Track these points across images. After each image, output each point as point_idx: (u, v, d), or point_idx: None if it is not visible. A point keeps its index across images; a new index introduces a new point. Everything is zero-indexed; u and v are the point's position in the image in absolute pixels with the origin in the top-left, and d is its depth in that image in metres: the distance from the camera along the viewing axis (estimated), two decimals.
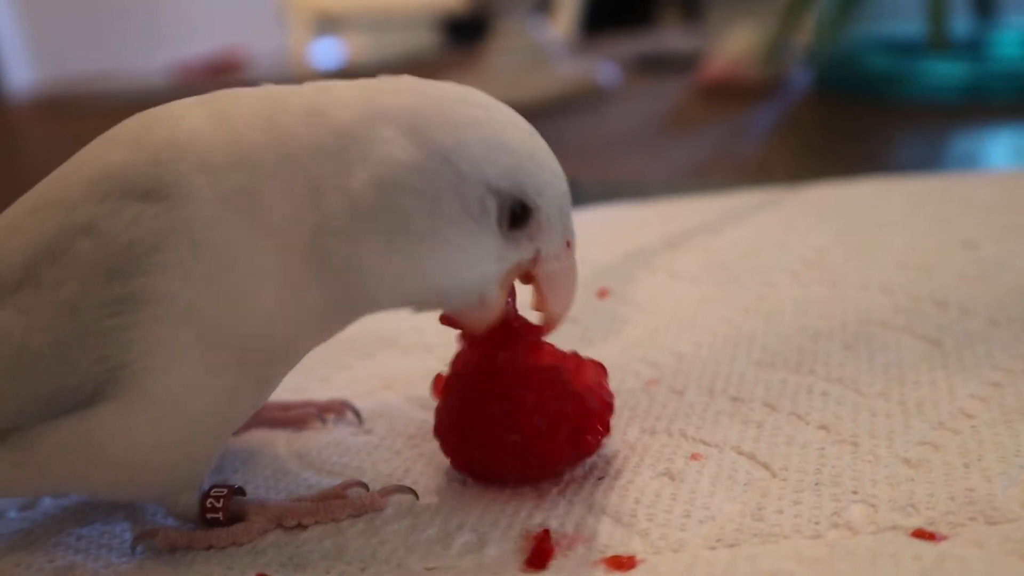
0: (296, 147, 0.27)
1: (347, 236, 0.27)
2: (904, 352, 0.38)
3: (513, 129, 0.28)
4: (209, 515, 0.31)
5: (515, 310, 0.31)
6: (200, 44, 1.94)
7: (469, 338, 0.32)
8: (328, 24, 1.97)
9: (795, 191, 0.61)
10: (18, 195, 0.30)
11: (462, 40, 1.78)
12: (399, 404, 0.39)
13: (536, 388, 0.31)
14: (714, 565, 0.27)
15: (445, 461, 0.34)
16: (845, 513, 0.28)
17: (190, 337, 0.27)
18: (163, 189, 0.27)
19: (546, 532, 0.29)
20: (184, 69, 1.72)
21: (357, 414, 0.38)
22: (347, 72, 1.47)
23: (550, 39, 1.13)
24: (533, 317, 0.32)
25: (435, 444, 0.33)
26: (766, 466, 0.31)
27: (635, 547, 0.28)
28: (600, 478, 0.32)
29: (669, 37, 1.54)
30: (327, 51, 1.85)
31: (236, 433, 0.36)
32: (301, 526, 0.31)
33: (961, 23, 0.93)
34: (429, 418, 0.37)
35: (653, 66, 1.22)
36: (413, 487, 0.32)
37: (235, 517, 0.31)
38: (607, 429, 0.32)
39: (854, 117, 0.86)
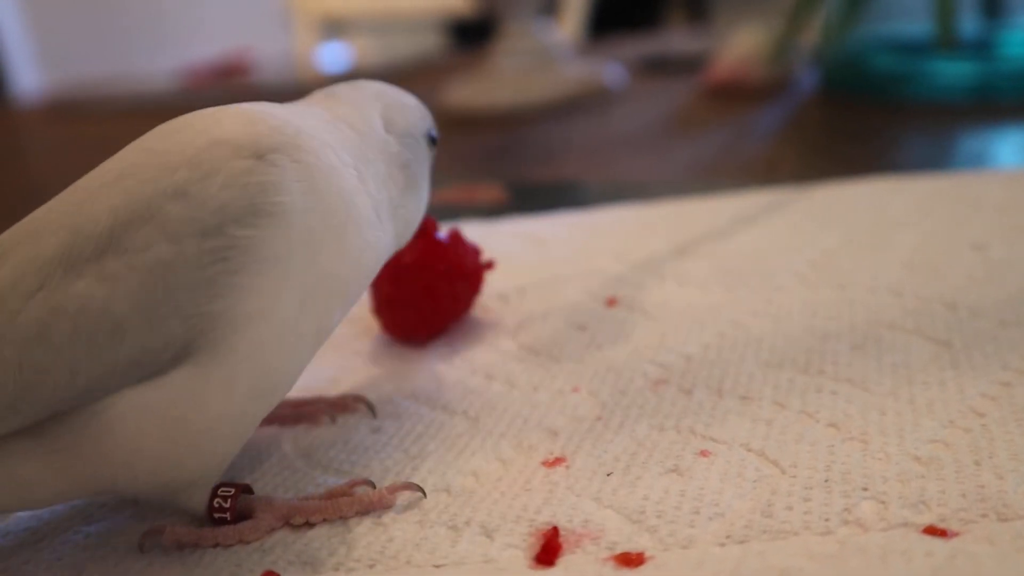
0: (366, 141, 0.35)
1: (395, 184, 0.35)
2: (913, 353, 0.38)
3: (408, 97, 0.38)
4: (216, 514, 0.31)
5: None
6: (206, 48, 1.95)
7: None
8: (334, 27, 1.97)
9: (802, 193, 0.61)
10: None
11: (468, 43, 1.78)
12: (407, 403, 0.39)
13: (430, 266, 0.43)
14: (724, 562, 0.27)
15: (454, 458, 0.34)
16: (855, 510, 0.28)
17: (285, 281, 0.29)
18: (284, 149, 0.30)
19: (555, 529, 0.29)
20: (190, 72, 1.73)
21: (371, 407, 0.38)
22: (353, 75, 1.47)
23: (556, 41, 1.13)
24: None
25: (443, 442, 0.33)
26: (775, 463, 0.31)
27: (644, 544, 0.28)
28: (609, 474, 0.32)
29: (675, 38, 1.54)
30: (333, 54, 1.85)
31: None
32: (309, 524, 0.31)
33: (969, 23, 0.93)
34: (437, 417, 0.38)
35: (659, 67, 1.22)
36: (421, 484, 0.32)
37: (242, 516, 0.31)
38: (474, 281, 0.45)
39: (861, 117, 0.86)
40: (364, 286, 0.35)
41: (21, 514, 0.34)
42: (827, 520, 0.28)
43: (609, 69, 1.12)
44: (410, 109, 0.38)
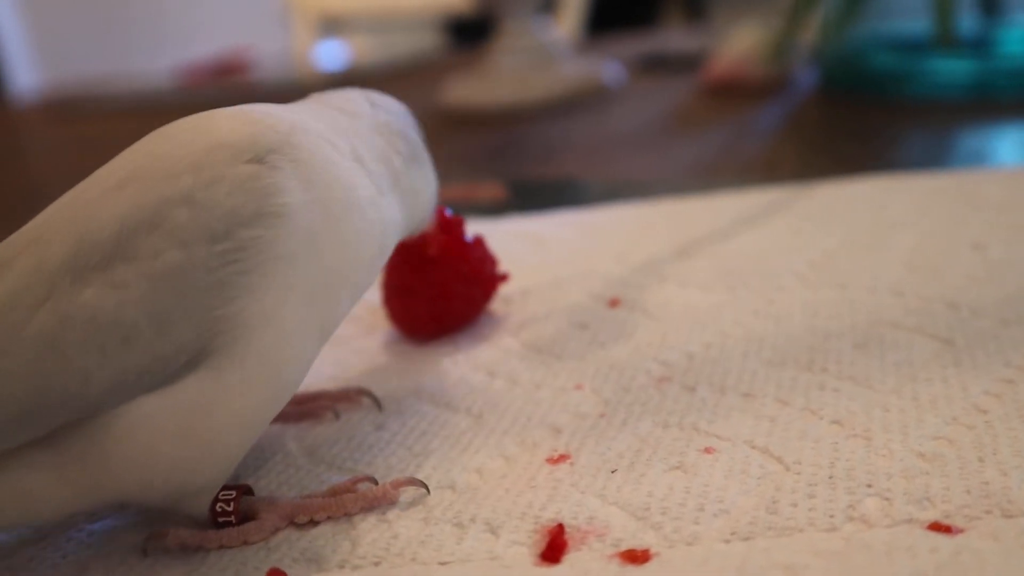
0: (358, 120, 0.36)
1: (396, 154, 0.36)
2: (916, 351, 0.38)
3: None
4: (221, 519, 0.31)
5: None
6: (204, 46, 1.95)
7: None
8: (333, 26, 1.97)
9: (801, 192, 0.61)
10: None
11: (467, 41, 1.78)
12: (410, 400, 0.39)
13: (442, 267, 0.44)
14: (729, 558, 0.27)
15: (458, 455, 0.34)
16: (860, 506, 0.28)
17: (293, 278, 0.29)
18: (280, 148, 0.30)
19: (560, 526, 0.29)
20: (189, 71, 1.72)
21: (375, 400, 0.39)
22: (352, 73, 1.47)
23: (555, 39, 1.13)
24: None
25: (447, 439, 0.33)
26: (779, 460, 0.31)
27: (649, 541, 0.28)
28: (613, 471, 0.32)
29: (674, 37, 1.54)
30: (332, 53, 1.85)
31: None
32: (313, 522, 0.31)
33: (967, 21, 0.93)
34: (441, 414, 0.38)
35: (658, 66, 1.22)
36: (425, 481, 0.32)
37: (246, 517, 0.31)
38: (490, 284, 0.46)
39: (860, 115, 0.86)
40: (376, 267, 0.35)
41: None
42: (832, 516, 0.28)
43: (608, 67, 1.12)
44: (394, 102, 0.39)
